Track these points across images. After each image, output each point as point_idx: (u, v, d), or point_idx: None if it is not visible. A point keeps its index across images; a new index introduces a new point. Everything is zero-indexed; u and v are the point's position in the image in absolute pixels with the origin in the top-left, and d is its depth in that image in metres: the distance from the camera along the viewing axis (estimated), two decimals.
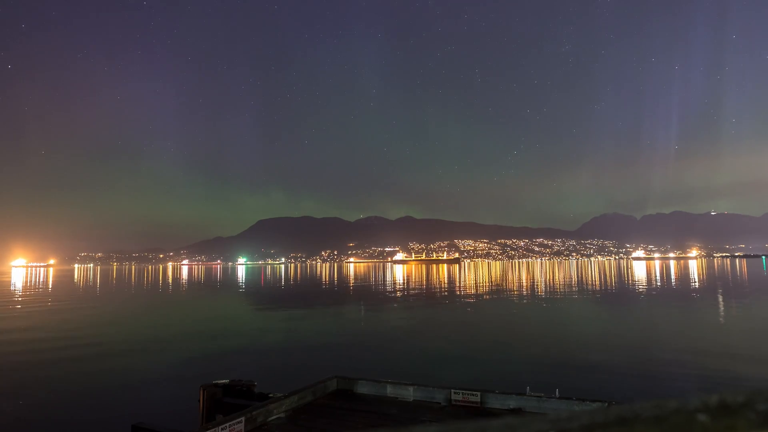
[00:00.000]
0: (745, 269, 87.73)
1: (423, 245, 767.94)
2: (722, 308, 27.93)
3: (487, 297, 37.11)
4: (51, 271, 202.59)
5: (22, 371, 14.03)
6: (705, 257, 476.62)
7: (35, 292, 51.11)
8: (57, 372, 13.82)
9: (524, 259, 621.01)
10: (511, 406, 6.81)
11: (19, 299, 42.34)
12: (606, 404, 6.23)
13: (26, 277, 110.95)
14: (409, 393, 7.45)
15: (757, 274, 67.41)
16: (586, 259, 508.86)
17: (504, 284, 52.37)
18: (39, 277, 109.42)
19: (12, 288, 60.55)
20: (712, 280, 55.66)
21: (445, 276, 77.72)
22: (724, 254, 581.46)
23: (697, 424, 0.58)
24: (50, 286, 62.99)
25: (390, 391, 7.61)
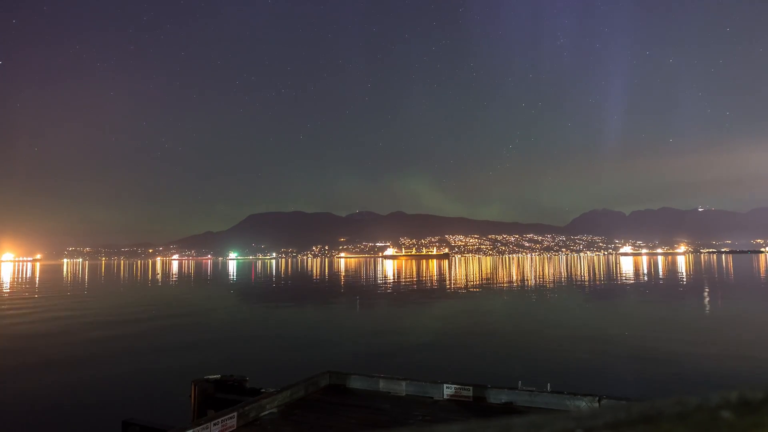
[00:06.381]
0: (731, 265, 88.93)
1: (414, 240, 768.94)
2: (708, 304, 28.32)
3: (476, 292, 37.30)
4: (38, 265, 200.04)
5: (11, 367, 13.90)
6: (692, 253, 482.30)
7: (19, 288, 50.48)
8: (47, 367, 13.70)
9: (514, 255, 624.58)
10: (503, 401, 6.80)
11: (5, 295, 41.83)
12: (597, 398, 6.32)
13: (13, 272, 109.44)
14: (402, 388, 7.42)
15: (744, 271, 68.32)
16: (575, 255, 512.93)
17: (493, 279, 52.64)
18: (25, 272, 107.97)
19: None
20: (698, 276, 56.38)
21: (435, 271, 77.95)
22: (710, 250, 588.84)
23: (723, 421, 0.58)
24: (27, 282, 62.21)
25: (382, 386, 7.58)
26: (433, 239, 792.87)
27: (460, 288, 41.81)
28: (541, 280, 50.86)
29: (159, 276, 78.25)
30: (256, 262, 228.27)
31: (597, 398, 6.34)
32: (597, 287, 40.57)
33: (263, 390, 7.60)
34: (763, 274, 57.71)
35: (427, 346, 16.05)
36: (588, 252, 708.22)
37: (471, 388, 7.05)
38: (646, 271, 66.75)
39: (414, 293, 37.41)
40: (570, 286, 42.12)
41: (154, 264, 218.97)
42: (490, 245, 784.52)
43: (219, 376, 8.04)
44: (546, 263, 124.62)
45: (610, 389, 10.52)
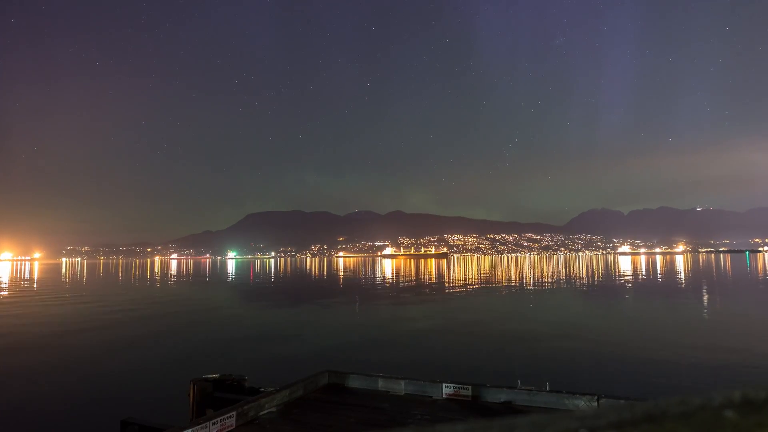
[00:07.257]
0: (729, 264, 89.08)
1: (413, 240, 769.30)
2: (706, 303, 28.37)
3: (475, 291, 37.32)
4: (36, 264, 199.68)
5: (9, 366, 13.88)
6: (690, 252, 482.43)
7: (19, 287, 50.37)
8: (46, 366, 13.67)
9: (513, 254, 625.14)
10: (502, 400, 6.81)
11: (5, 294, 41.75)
12: (596, 398, 6.35)
13: (11, 271, 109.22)
14: (401, 387, 7.40)
15: (740, 270, 68.46)
16: (574, 254, 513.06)
17: (492, 279, 52.67)
18: (23, 271, 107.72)
19: None
20: (696, 275, 56.44)
21: (434, 270, 77.97)
22: (708, 249, 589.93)
23: (726, 420, 0.58)
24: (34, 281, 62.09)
25: (381, 385, 7.56)
26: (431, 238, 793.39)
27: (458, 287, 41.81)
28: (540, 279, 50.89)
29: (157, 275, 78.13)
30: (254, 262, 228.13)
31: (596, 397, 6.35)
32: (595, 286, 40.59)
33: (262, 389, 7.59)
34: (760, 273, 57.79)
35: (425, 345, 16.04)
36: (586, 251, 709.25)
37: (470, 387, 7.03)
38: (644, 271, 66.84)
39: (413, 292, 37.39)
40: (568, 285, 42.14)
41: (152, 263, 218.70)
42: (488, 244, 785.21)
43: (218, 375, 8.02)
44: (545, 263, 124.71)
45: (609, 388, 10.52)
